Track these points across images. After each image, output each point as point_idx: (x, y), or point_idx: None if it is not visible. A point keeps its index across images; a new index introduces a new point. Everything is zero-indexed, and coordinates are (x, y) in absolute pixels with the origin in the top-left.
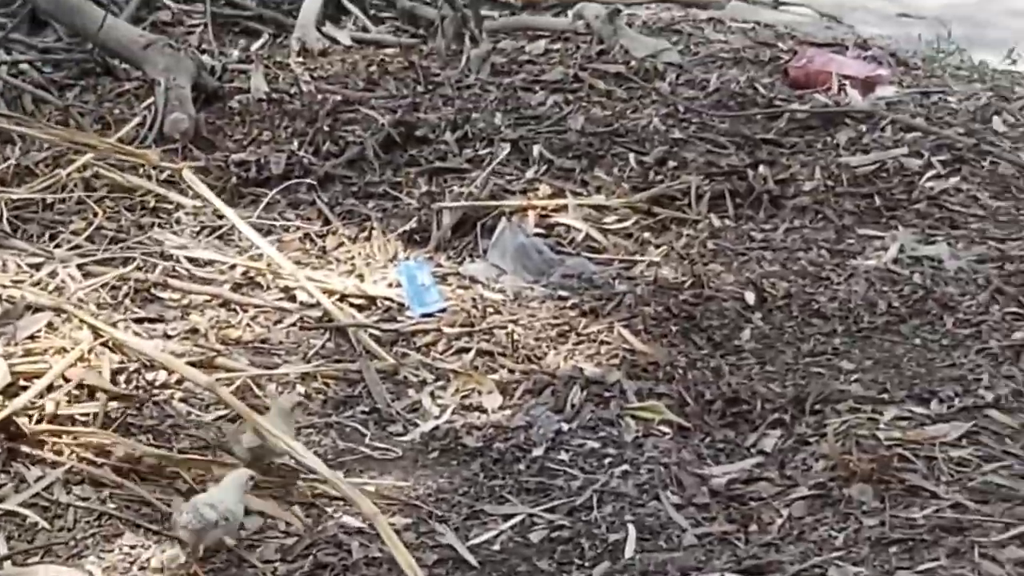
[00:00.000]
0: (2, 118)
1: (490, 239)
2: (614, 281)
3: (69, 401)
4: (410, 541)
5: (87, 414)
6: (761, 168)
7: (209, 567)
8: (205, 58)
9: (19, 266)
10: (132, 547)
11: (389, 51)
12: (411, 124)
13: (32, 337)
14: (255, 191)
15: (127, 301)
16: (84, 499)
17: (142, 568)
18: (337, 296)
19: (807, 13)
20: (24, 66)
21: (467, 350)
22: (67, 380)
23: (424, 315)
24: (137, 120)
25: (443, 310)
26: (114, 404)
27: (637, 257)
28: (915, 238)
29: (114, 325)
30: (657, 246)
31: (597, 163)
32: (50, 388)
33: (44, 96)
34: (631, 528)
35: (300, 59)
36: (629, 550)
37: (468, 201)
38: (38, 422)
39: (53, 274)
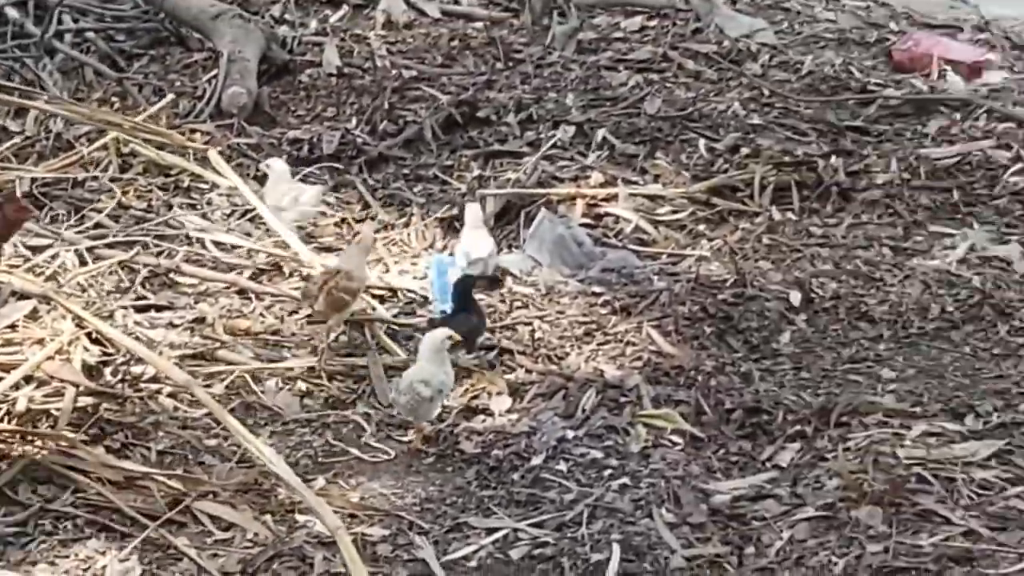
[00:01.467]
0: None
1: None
2: (655, 277)
3: (45, 396)
4: (384, 554)
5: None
6: (833, 158)
7: None
8: (283, 29)
9: (16, 247)
10: (89, 556)
11: (477, 25)
12: (473, 104)
13: (12, 326)
14: (306, 171)
15: (139, 287)
16: (47, 500)
17: None
18: None
19: None
20: (91, 35)
21: (487, 347)
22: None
23: (444, 311)
24: (170, 97)
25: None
26: (90, 400)
27: (687, 252)
28: (989, 236)
29: (111, 314)
30: (710, 239)
31: (663, 149)
32: (28, 380)
33: (102, 69)
34: (616, 548)
35: (382, 32)
36: (611, 572)
37: (513, 188)
38: (6, 418)
39: (55, 257)
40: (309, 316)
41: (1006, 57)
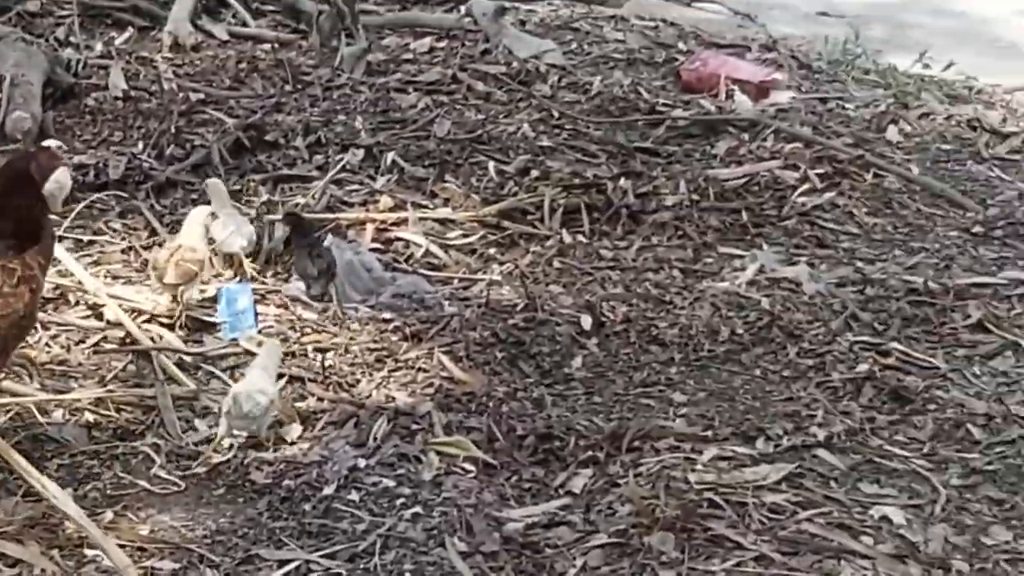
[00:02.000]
0: None
1: None
2: (445, 302)
3: None
4: None
5: None
6: (622, 180)
7: None
8: (68, 52)
9: None
10: None
11: (265, 47)
12: (261, 128)
13: None
14: (91, 197)
15: None
16: None
17: None
18: (146, 315)
19: (720, 11)
20: None
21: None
22: None
23: (234, 340)
24: None
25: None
26: None
27: (478, 276)
28: (777, 258)
29: None
30: (501, 263)
31: (453, 172)
32: None
33: None
34: None
35: (169, 54)
36: None
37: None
38: None
39: None
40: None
41: (793, 76)
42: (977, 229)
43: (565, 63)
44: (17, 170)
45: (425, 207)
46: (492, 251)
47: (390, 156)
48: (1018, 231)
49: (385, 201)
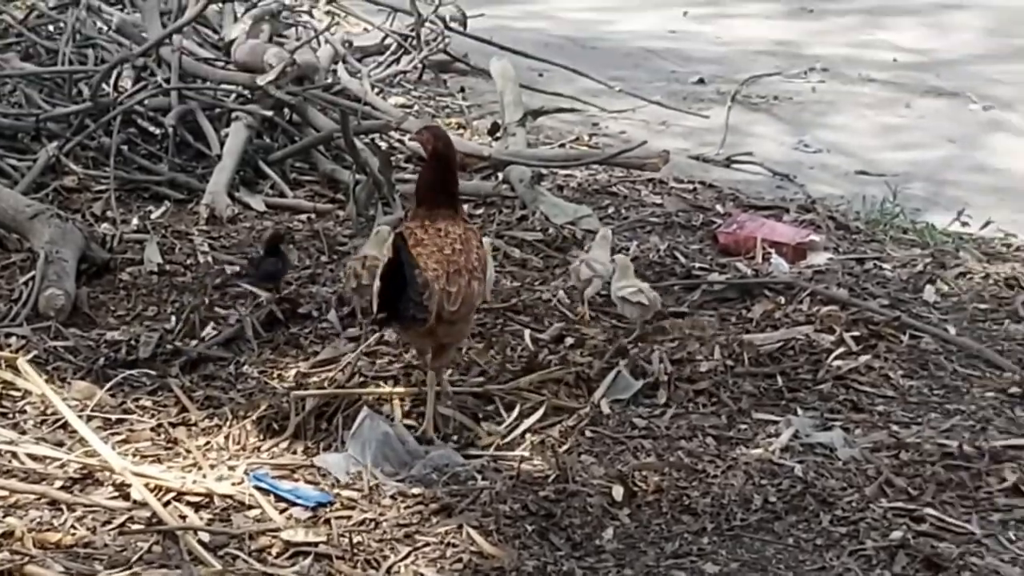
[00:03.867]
0: None
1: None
2: (478, 475)
3: None
4: None
5: None
6: (656, 350)
7: None
8: (105, 227)
9: None
10: None
11: (303, 217)
12: (295, 300)
13: None
14: (123, 374)
15: None
16: None
17: None
18: (173, 494)
19: (759, 171)
20: None
21: (305, 553)
22: None
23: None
24: None
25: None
26: None
27: (510, 448)
28: (812, 423)
29: None
30: (534, 433)
31: (490, 342)
32: None
33: None
34: None
35: (205, 227)
36: None
37: (330, 388)
38: None
39: None
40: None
41: (830, 237)
42: (1014, 390)
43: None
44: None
45: (462, 380)
46: (526, 422)
47: None
48: None
49: (418, 374)
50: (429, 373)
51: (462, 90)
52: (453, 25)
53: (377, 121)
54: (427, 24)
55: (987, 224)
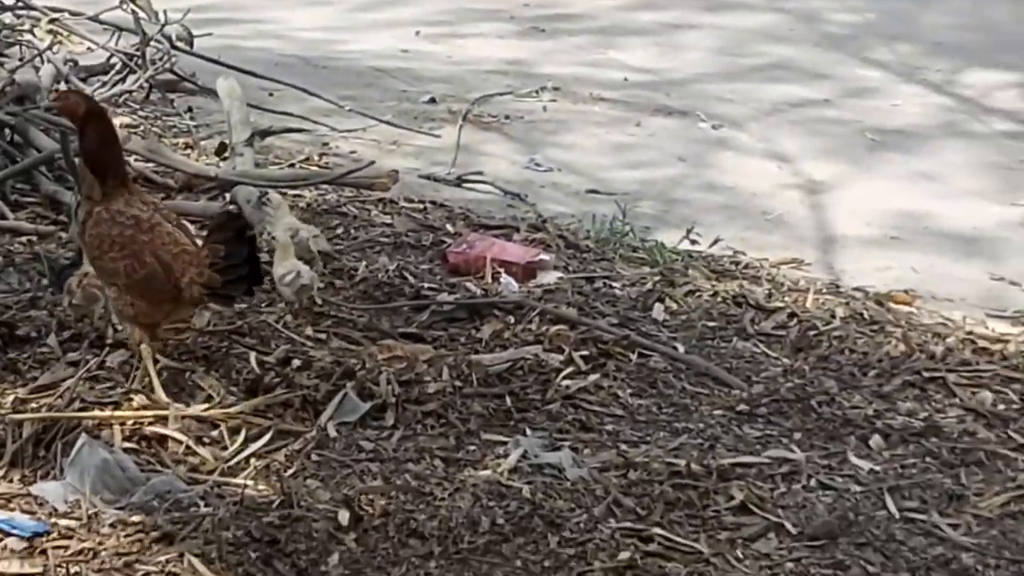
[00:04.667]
0: None
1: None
2: (201, 501)
3: None
4: None
5: None
6: (384, 371)
7: None
8: None
9: None
10: None
11: (24, 239)
12: (12, 324)
13: None
14: None
15: None
16: None
17: None
18: None
19: (491, 190)
20: None
21: None
22: None
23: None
24: None
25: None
26: None
27: (234, 473)
28: (541, 443)
29: None
30: (259, 458)
31: (213, 366)
32: None
33: None
34: None
35: None
36: None
37: (48, 412)
38: None
39: None
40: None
41: (560, 257)
42: (742, 407)
43: (330, 248)
44: None
45: (186, 403)
46: (252, 446)
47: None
48: (781, 408)
49: (140, 399)
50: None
51: (190, 110)
52: (180, 44)
53: None
54: (153, 43)
55: (715, 242)
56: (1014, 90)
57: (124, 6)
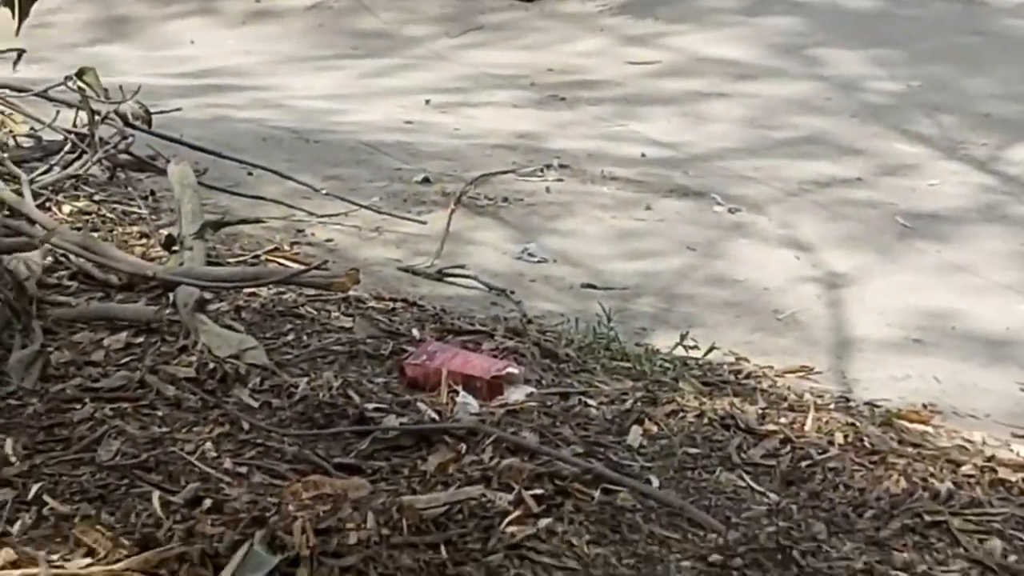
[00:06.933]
0: None
1: None
2: None
3: None
4: None
5: None
6: (299, 518)
7: None
8: None
9: None
10: None
11: None
12: None
13: None
14: None
15: None
16: None
17: None
18: None
19: (475, 286)
20: None
21: None
22: None
23: None
24: None
25: None
26: None
27: None
28: None
29: None
30: None
31: (111, 508)
32: None
33: None
34: None
35: None
36: None
37: None
38: None
39: None
40: None
41: (533, 368)
42: (714, 557)
43: (268, 363)
44: None
45: (67, 557)
46: None
47: (34, 489)
48: (758, 560)
49: (7, 553)
50: None
51: (152, 194)
52: (136, 123)
53: (17, 239)
54: (107, 122)
55: (711, 350)
56: None
57: (70, 83)
